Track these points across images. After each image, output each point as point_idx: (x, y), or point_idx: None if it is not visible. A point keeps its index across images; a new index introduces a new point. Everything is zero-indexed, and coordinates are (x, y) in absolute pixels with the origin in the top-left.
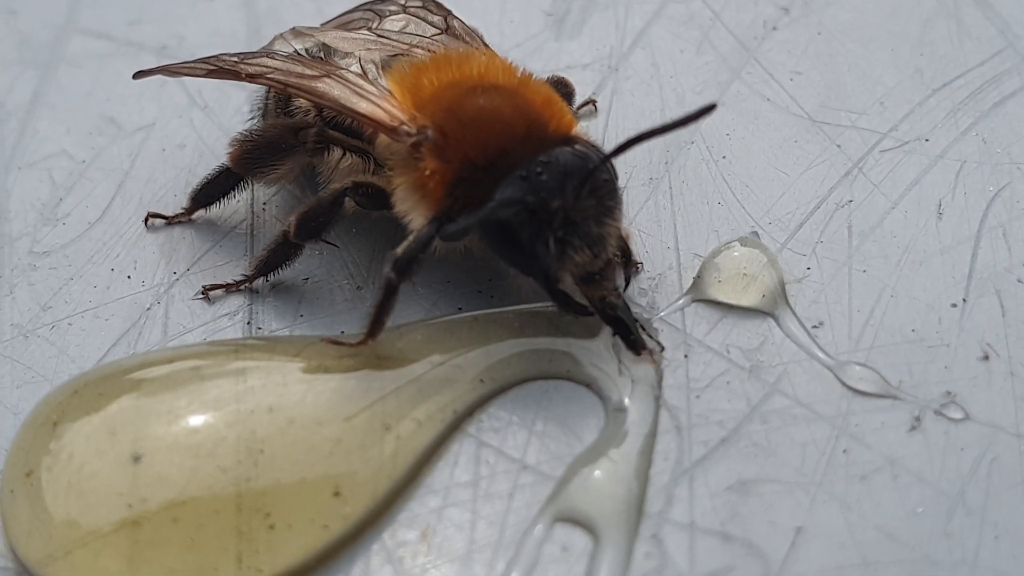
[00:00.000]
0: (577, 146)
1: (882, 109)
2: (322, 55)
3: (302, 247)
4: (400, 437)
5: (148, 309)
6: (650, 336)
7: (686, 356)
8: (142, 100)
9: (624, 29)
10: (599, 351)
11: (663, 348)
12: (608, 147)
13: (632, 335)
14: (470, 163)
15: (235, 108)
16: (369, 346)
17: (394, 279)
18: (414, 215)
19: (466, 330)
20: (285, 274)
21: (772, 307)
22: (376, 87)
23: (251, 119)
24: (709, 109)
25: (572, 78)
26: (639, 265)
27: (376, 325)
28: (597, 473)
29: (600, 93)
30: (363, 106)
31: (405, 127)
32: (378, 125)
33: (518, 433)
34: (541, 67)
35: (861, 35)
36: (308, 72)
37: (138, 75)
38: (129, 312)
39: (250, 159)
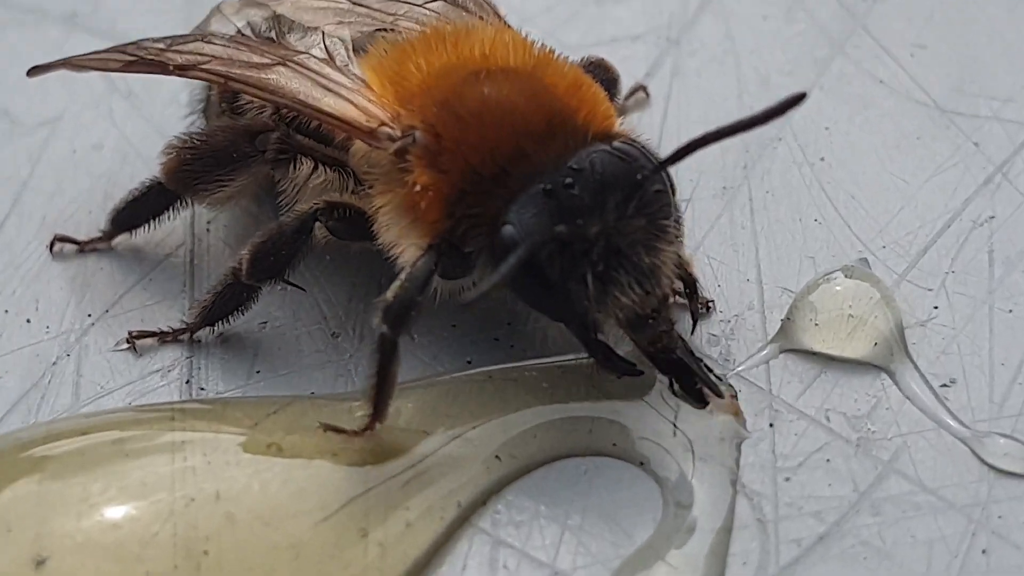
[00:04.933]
0: (617, 144)
1: None
2: (274, 35)
3: (259, 289)
4: (384, 544)
5: (54, 364)
6: (724, 382)
7: (771, 425)
8: (45, 85)
9: None
10: (654, 418)
11: (735, 395)
12: (665, 148)
13: (697, 383)
14: (473, 173)
15: (169, 96)
16: (376, 432)
17: (388, 334)
18: (404, 245)
19: (477, 392)
20: (237, 320)
21: (887, 359)
22: (347, 76)
23: (191, 115)
24: (798, 99)
25: (618, 54)
26: (710, 304)
27: (380, 402)
28: None
29: (656, 75)
30: (329, 102)
31: (386, 128)
32: (350, 127)
33: (547, 528)
34: (577, 41)
35: None
36: (255, 60)
37: (34, 72)
38: (29, 367)
39: (190, 173)
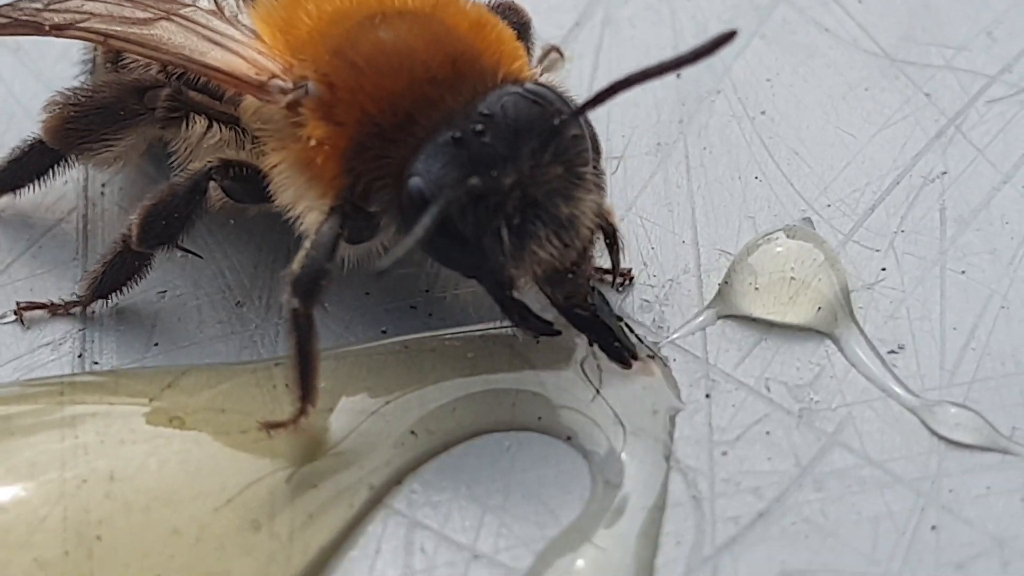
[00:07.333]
0: (529, 86)
1: (990, 43)
2: None
3: (152, 256)
4: (280, 537)
5: None
6: (645, 344)
7: (708, 396)
8: None
9: None
10: (582, 389)
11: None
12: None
13: (616, 341)
14: (372, 123)
15: (60, 51)
16: (310, 418)
17: (300, 308)
18: (303, 207)
19: (392, 364)
20: (132, 290)
21: (831, 325)
22: (236, 28)
23: (81, 75)
24: (728, 37)
25: (545, 3)
26: (630, 274)
27: (307, 383)
28: (580, 564)
29: (585, 25)
30: (216, 56)
31: (277, 81)
32: (238, 82)
33: (467, 509)
34: None
35: None
36: (139, 15)
37: None
38: None
39: (74, 132)
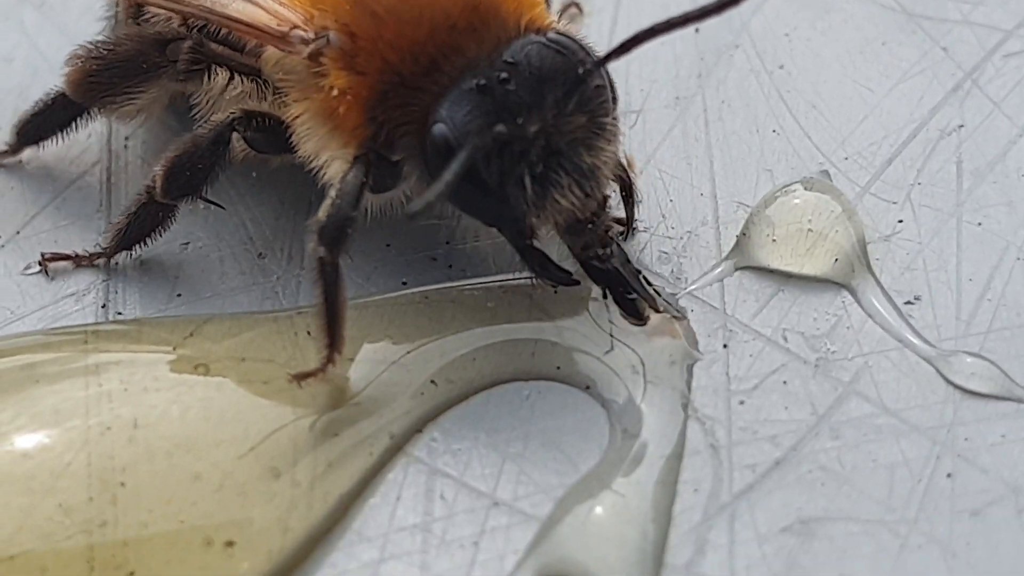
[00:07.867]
0: (552, 36)
1: None
2: None
3: (175, 208)
4: (301, 484)
5: None
6: (663, 298)
7: (726, 346)
8: None
9: None
10: (601, 339)
11: (684, 316)
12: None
13: (632, 294)
14: (394, 72)
15: (83, 6)
16: (337, 367)
17: (327, 256)
18: (327, 156)
19: (412, 314)
20: (155, 241)
21: (848, 276)
22: None
23: (103, 29)
24: None
25: None
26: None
27: (334, 331)
28: (599, 510)
29: None
30: (237, 8)
31: (298, 32)
32: (260, 33)
33: (486, 457)
34: None
35: None
36: None
37: None
38: None
39: (96, 85)
